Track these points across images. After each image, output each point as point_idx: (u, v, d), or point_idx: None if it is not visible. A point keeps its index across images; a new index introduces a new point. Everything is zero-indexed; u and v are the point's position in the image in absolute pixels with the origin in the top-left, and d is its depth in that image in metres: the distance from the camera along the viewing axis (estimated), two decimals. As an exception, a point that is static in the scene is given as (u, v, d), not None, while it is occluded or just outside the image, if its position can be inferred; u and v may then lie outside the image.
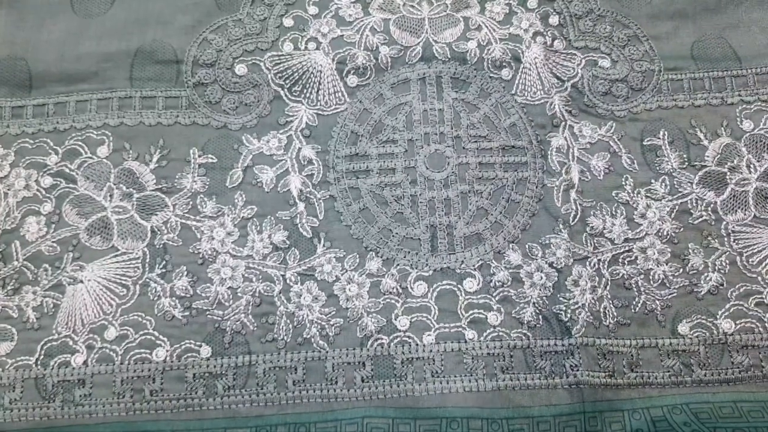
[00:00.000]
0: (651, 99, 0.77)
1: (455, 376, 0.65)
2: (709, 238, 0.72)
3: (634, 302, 0.69)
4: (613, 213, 0.72)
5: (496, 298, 0.68)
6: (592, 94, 0.77)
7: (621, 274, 0.70)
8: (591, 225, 0.72)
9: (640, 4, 0.81)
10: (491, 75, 0.77)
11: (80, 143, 0.73)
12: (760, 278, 0.70)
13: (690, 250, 0.71)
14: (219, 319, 0.67)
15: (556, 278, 0.69)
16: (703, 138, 0.75)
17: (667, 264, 0.71)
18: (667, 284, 0.70)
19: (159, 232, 0.70)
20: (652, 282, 0.70)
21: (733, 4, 0.81)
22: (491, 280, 0.69)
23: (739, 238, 0.72)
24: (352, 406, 0.64)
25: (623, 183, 0.73)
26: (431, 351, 0.66)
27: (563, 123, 0.75)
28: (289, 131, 0.74)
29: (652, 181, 0.74)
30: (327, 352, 0.66)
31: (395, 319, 0.67)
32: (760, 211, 0.72)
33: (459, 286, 0.69)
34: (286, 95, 0.75)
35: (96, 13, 0.78)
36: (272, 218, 0.71)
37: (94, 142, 0.73)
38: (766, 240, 0.71)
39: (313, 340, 0.67)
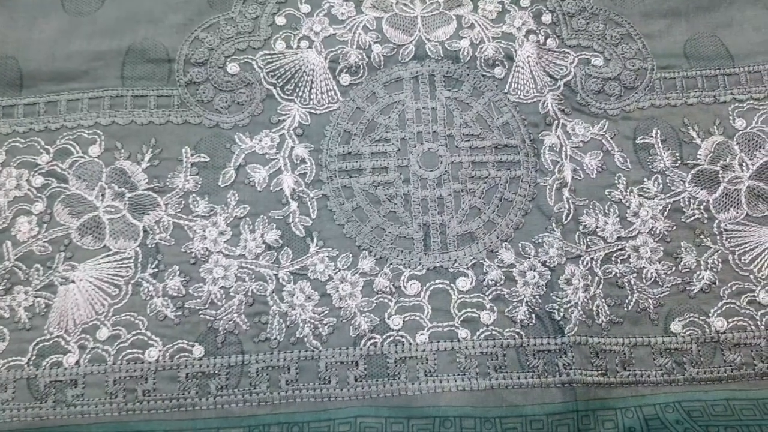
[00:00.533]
0: (644, 97, 0.77)
1: (448, 375, 0.65)
2: (702, 236, 0.72)
3: (626, 301, 0.69)
4: (606, 212, 0.72)
5: (489, 297, 0.68)
6: (585, 92, 0.77)
7: (614, 273, 0.70)
8: (584, 224, 0.72)
9: (633, 2, 0.81)
10: (484, 74, 0.77)
11: (71, 142, 0.73)
12: (752, 276, 0.70)
13: (682, 249, 0.71)
14: (212, 318, 0.67)
15: (549, 277, 0.69)
16: (696, 136, 0.75)
17: (659, 262, 0.71)
18: (660, 283, 0.70)
19: (151, 232, 0.70)
20: (644, 280, 0.70)
21: (726, 2, 0.81)
22: (484, 279, 0.69)
23: (732, 237, 0.72)
24: (345, 406, 0.64)
25: (616, 181, 0.73)
26: (424, 350, 0.66)
27: (556, 121, 0.75)
28: (281, 130, 0.74)
29: (645, 179, 0.74)
30: (320, 351, 0.66)
31: (388, 319, 0.67)
32: (752, 210, 0.73)
33: (452, 285, 0.69)
34: (278, 94, 0.75)
35: (87, 12, 0.78)
36: (265, 217, 0.71)
37: (85, 142, 0.73)
38: (759, 238, 0.72)
39: (306, 339, 0.67)
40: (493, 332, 0.67)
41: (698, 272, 0.71)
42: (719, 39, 0.79)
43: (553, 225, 0.71)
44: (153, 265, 0.69)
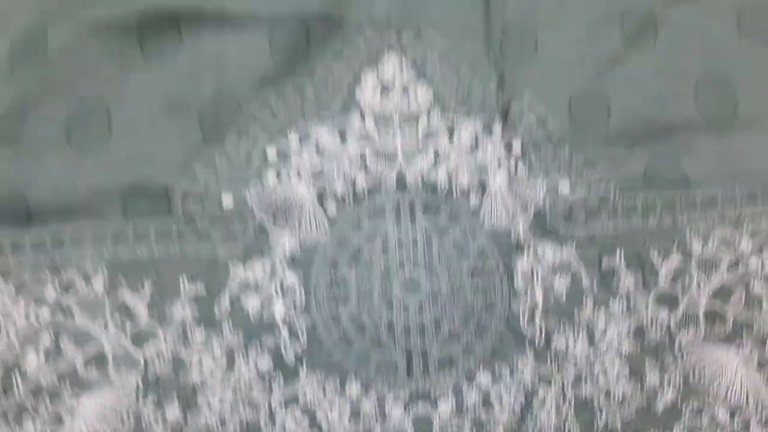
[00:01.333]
0: (607, 222, 0.82)
1: (431, 501, 0.70)
2: (664, 355, 0.77)
3: (596, 421, 0.74)
4: (575, 334, 0.78)
5: (469, 421, 0.73)
6: (554, 218, 0.82)
7: (584, 394, 0.75)
8: (555, 346, 0.77)
9: (597, 128, 0.87)
10: (460, 202, 0.82)
11: (76, 276, 0.77)
12: (710, 396, 0.75)
13: (647, 368, 0.76)
14: (209, 448, 0.72)
15: (523, 400, 0.74)
16: (657, 258, 0.81)
17: (626, 382, 0.76)
18: (627, 402, 0.75)
19: (151, 363, 0.74)
20: (612, 400, 0.75)
21: (682, 129, 0.86)
22: (464, 403, 0.74)
23: (692, 356, 0.77)
24: None
25: (584, 304, 0.79)
26: (408, 476, 0.71)
27: (528, 247, 0.81)
28: (273, 259, 0.79)
29: (611, 300, 0.79)
30: (311, 478, 0.71)
31: (374, 444, 0.72)
32: (710, 330, 0.78)
33: (434, 408, 0.74)
34: (270, 225, 0.81)
35: (92, 150, 0.83)
36: (258, 345, 0.76)
37: (89, 275, 0.78)
38: (717, 358, 0.77)
39: (297, 466, 0.71)
40: (473, 457, 0.72)
41: (662, 391, 0.76)
42: (677, 164, 0.85)
43: (527, 348, 0.76)
44: (153, 396, 0.73)
